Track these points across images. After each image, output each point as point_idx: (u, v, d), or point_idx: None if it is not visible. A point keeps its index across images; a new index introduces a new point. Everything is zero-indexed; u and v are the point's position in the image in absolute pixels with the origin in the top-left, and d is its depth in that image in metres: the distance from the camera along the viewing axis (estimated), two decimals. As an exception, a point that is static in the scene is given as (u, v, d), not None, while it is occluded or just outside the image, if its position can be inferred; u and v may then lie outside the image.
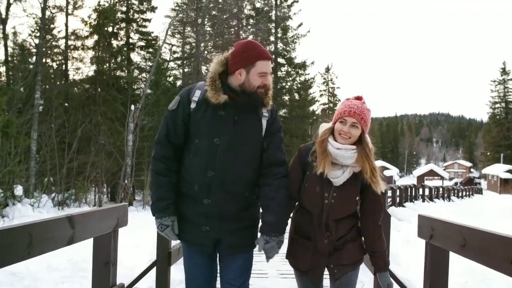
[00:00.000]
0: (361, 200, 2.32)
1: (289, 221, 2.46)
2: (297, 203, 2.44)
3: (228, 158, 2.19)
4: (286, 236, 2.38)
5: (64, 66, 23.15)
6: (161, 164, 2.23)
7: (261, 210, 2.35)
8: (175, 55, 30.84)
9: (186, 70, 29.83)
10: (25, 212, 11.80)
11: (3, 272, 4.66)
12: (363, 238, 2.36)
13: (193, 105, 2.23)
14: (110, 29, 23.17)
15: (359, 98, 2.31)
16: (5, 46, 18.44)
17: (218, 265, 2.43)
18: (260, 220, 2.32)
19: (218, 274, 2.44)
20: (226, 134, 2.19)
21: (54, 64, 23.10)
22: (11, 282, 4.45)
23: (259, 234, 2.32)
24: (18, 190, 12.55)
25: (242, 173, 2.22)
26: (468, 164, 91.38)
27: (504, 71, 62.45)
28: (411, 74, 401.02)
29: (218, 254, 2.39)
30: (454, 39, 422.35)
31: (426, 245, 2.62)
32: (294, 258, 2.40)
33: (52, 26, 21.63)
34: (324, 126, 2.39)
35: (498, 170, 53.59)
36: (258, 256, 2.39)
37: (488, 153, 63.26)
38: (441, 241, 2.36)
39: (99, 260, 2.66)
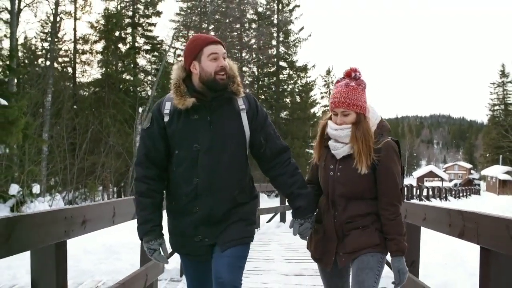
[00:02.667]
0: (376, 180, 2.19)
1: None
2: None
3: (211, 162, 2.12)
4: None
5: (72, 69, 23.95)
6: (143, 184, 2.15)
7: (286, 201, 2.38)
8: (179, 59, 31.60)
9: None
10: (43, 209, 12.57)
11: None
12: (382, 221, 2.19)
13: (166, 118, 2.16)
14: (117, 33, 23.93)
15: (349, 74, 2.25)
16: (16, 50, 19.19)
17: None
18: (291, 207, 2.30)
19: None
20: (203, 137, 2.12)
21: (63, 68, 23.87)
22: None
23: (291, 219, 2.32)
24: (36, 188, 13.32)
25: (227, 174, 2.15)
26: (468, 165, 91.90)
27: (503, 74, 63.03)
28: (412, 76, 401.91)
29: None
30: (455, 41, 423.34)
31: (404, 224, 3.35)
32: (310, 246, 2.36)
33: (61, 30, 22.40)
34: (323, 121, 2.38)
35: (497, 171, 54.21)
36: (266, 245, 2.43)
37: (487, 155, 63.79)
38: (411, 218, 3.09)
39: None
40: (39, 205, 12.92)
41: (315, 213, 2.29)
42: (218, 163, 2.12)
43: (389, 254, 2.17)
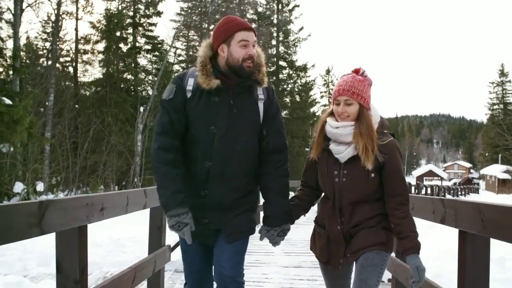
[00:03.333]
0: (382, 180, 2.13)
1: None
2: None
3: (226, 147, 2.09)
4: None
5: (74, 69, 24.18)
6: (169, 154, 2.06)
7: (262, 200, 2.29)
8: (180, 58, 31.87)
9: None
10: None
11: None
12: (390, 221, 2.14)
13: (188, 94, 2.11)
14: (118, 33, 24.15)
15: (356, 71, 2.19)
16: (19, 50, 19.40)
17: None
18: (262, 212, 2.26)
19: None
20: (222, 121, 2.08)
21: (64, 68, 24.10)
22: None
23: (261, 224, 2.27)
24: (40, 186, 13.55)
25: (240, 161, 2.12)
26: (468, 165, 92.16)
27: (502, 73, 63.29)
28: (412, 75, 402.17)
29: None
30: (455, 40, 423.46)
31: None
32: (314, 249, 2.31)
33: (62, 30, 22.63)
34: (322, 118, 2.29)
35: (496, 170, 54.50)
36: (266, 240, 2.33)
37: (487, 154, 64.07)
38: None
39: (154, 226, 3.59)
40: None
41: (285, 224, 2.21)
42: (233, 149, 2.10)
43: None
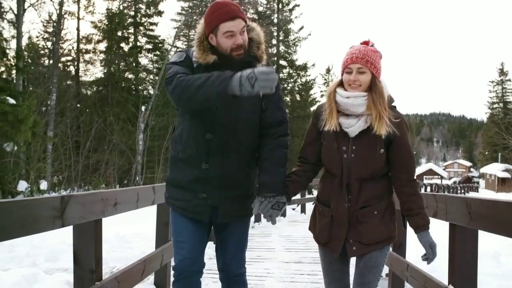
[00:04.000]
0: (390, 157, 2.08)
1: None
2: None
3: (228, 120, 2.08)
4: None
5: (76, 68, 24.36)
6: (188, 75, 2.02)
7: None
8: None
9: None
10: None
11: (63, 245, 5.78)
12: (398, 196, 2.13)
13: (194, 64, 2.10)
14: (119, 33, 24.31)
15: (366, 43, 2.14)
16: (22, 50, 19.55)
17: (214, 243, 2.32)
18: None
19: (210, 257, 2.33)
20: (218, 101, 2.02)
21: (65, 67, 24.27)
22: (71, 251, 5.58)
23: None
24: (43, 185, 13.72)
25: (242, 135, 2.12)
26: (468, 163, 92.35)
27: (502, 72, 63.45)
28: (412, 74, 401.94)
29: (213, 228, 2.27)
30: (456, 39, 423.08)
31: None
32: (314, 229, 2.23)
33: (63, 29, 22.80)
34: (331, 88, 2.19)
35: (495, 169, 54.67)
36: (267, 237, 2.28)
37: (486, 153, 64.24)
38: (398, 205, 3.47)
39: (161, 221, 3.75)
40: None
41: (280, 195, 2.10)
42: (235, 122, 2.09)
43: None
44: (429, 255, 2.02)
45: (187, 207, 2.14)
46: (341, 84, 2.11)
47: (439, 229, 2.87)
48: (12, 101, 12.08)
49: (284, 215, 11.22)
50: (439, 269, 5.15)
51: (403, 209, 2.10)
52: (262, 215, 2.11)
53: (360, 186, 2.06)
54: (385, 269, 4.22)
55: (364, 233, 2.05)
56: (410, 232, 3.52)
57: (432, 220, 2.93)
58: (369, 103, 2.03)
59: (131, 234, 6.48)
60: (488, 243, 6.10)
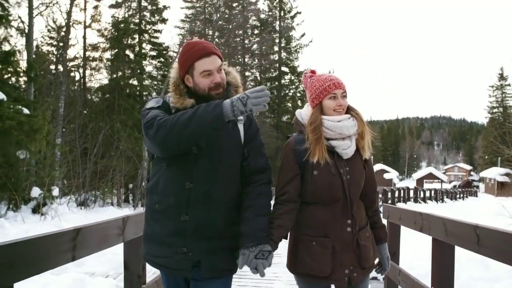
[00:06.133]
0: None
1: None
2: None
3: (208, 167, 1.97)
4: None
5: (82, 76, 24.97)
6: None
7: None
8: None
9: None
10: (63, 211, 13.53)
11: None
12: (367, 214, 2.18)
13: (173, 110, 2.00)
14: (125, 41, 24.88)
15: (314, 72, 2.21)
16: (34, 61, 20.11)
17: None
18: None
19: None
20: (203, 141, 1.95)
21: (70, 73, 24.85)
22: (94, 258, 6.08)
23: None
24: (56, 191, 14.23)
25: (223, 183, 2.00)
26: (468, 167, 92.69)
27: (502, 77, 64.06)
28: (413, 77, 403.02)
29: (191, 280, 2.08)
30: (457, 42, 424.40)
31: (387, 222, 4.27)
32: (305, 264, 2.09)
33: (71, 38, 23.38)
34: (303, 112, 2.21)
35: (495, 173, 55.10)
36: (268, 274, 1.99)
37: (486, 157, 64.67)
38: (392, 218, 4.01)
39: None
40: (59, 207, 13.83)
41: (263, 244, 1.94)
42: (216, 170, 1.98)
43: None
44: (385, 267, 2.21)
45: (166, 264, 1.99)
46: (320, 112, 2.11)
47: (422, 241, 3.38)
48: (26, 111, 12.63)
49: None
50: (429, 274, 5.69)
51: (370, 222, 2.20)
52: (249, 268, 1.92)
53: (357, 209, 2.09)
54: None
55: (364, 256, 2.06)
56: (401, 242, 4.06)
57: (418, 233, 3.46)
58: (359, 122, 2.12)
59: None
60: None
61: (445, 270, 2.77)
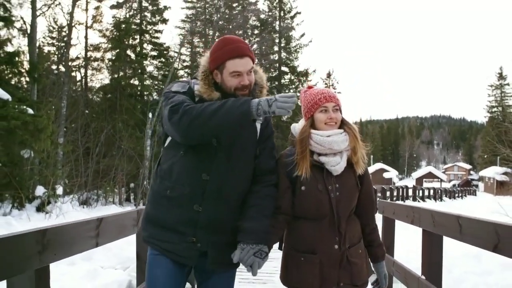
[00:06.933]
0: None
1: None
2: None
3: (226, 161, 1.97)
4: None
5: (84, 76, 25.21)
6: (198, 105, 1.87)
7: None
8: (185, 64, 32.91)
9: (195, 78, 32.00)
10: (66, 209, 13.76)
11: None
12: (362, 232, 2.16)
13: (196, 98, 1.99)
14: (126, 41, 25.10)
15: (311, 87, 2.20)
16: (38, 62, 20.32)
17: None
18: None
19: None
20: (223, 135, 1.96)
21: (75, 74, 25.10)
22: (102, 253, 6.32)
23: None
24: (59, 190, 14.46)
25: (239, 179, 2.01)
26: (468, 166, 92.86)
27: (501, 76, 64.30)
28: (413, 76, 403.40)
29: (195, 273, 2.14)
30: (456, 41, 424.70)
31: (382, 217, 4.50)
32: (295, 278, 2.09)
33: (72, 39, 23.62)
34: (297, 127, 2.20)
35: (494, 172, 55.32)
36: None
37: (485, 156, 64.89)
38: (387, 213, 4.23)
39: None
40: (63, 205, 14.07)
41: (263, 244, 1.96)
42: (234, 166, 1.99)
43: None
44: (382, 285, 2.18)
45: (174, 249, 1.95)
46: (310, 125, 2.11)
47: (413, 234, 3.61)
48: (30, 111, 12.85)
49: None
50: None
51: (365, 241, 2.16)
52: (242, 264, 1.94)
53: (346, 225, 2.06)
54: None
55: (356, 273, 2.05)
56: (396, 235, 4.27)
57: (409, 226, 3.69)
58: (351, 137, 2.07)
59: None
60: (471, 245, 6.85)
61: (434, 259, 2.99)
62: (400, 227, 5.77)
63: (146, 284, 1.99)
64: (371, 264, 2.20)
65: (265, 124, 2.10)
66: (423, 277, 3.05)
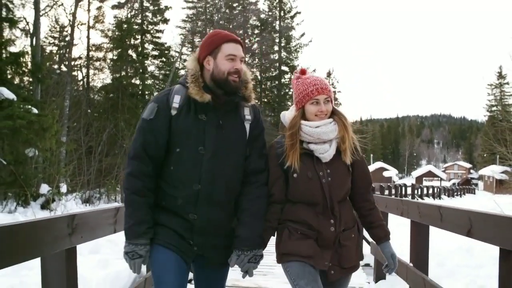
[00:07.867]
0: (352, 174, 2.15)
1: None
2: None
3: (215, 168, 2.00)
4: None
5: (86, 76, 25.45)
6: (139, 182, 1.96)
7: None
8: (185, 63, 33.07)
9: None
10: (70, 207, 14.01)
11: (102, 240, 6.78)
12: (357, 212, 2.20)
13: (173, 112, 2.00)
14: (128, 41, 25.33)
15: (304, 72, 2.20)
16: (40, 62, 20.53)
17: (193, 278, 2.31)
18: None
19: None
20: (210, 141, 1.99)
21: (76, 74, 25.33)
22: (109, 246, 6.56)
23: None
24: (63, 188, 14.71)
25: (230, 183, 2.05)
26: (468, 165, 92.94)
27: (500, 75, 64.39)
28: (413, 75, 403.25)
29: (192, 263, 2.18)
30: (457, 40, 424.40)
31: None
32: (289, 246, 2.11)
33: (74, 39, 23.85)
34: (287, 115, 2.22)
35: (493, 171, 55.44)
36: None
37: (485, 155, 65.00)
38: (379, 206, 4.46)
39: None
40: (67, 203, 14.32)
41: (257, 249, 2.05)
42: (222, 171, 2.02)
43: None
44: (391, 265, 2.15)
45: (171, 241, 2.02)
46: (301, 117, 2.13)
47: (407, 229, 3.85)
48: (35, 110, 13.09)
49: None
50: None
51: (364, 223, 2.20)
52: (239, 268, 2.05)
53: (340, 209, 2.11)
54: (371, 258, 5.24)
55: (345, 256, 2.09)
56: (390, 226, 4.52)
57: (403, 222, 3.94)
58: (339, 127, 2.11)
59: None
60: (464, 239, 7.08)
61: (421, 248, 3.25)
62: (394, 223, 6.03)
63: (153, 268, 2.01)
64: (379, 247, 2.21)
65: (254, 123, 2.13)
66: (411, 264, 3.31)
